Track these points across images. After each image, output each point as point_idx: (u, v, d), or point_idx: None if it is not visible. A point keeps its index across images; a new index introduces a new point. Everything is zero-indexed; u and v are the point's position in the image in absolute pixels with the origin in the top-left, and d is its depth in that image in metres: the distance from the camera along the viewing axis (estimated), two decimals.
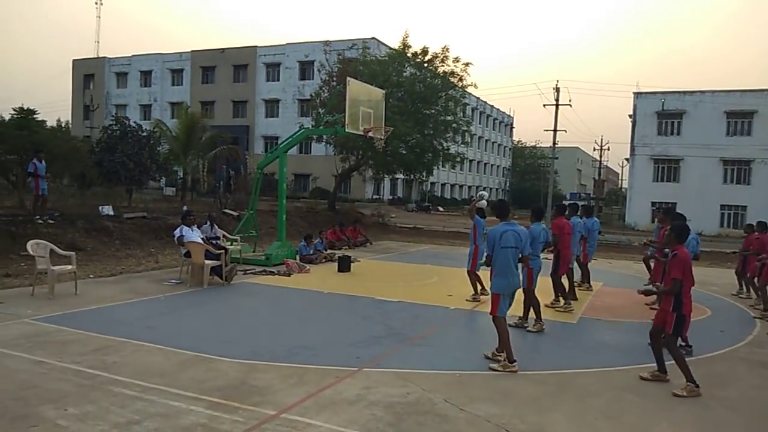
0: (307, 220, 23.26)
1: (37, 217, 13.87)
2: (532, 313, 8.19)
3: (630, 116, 46.17)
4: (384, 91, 15.73)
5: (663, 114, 44.73)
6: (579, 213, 11.54)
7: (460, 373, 6.05)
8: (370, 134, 14.00)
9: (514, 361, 6.19)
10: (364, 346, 6.96)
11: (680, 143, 43.96)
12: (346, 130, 13.49)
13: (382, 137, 14.64)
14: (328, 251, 15.43)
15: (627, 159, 50.01)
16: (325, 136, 27.75)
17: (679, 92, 44.39)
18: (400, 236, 24.73)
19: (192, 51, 57.72)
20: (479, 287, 10.19)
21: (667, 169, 45.29)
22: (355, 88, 13.73)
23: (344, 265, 13.05)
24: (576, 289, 10.84)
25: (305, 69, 52.06)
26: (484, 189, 14.69)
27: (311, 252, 14.41)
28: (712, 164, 43.22)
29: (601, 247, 20.77)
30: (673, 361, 5.84)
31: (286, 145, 15.02)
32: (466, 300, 10.09)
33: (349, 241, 18.33)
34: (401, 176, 43.35)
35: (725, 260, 19.37)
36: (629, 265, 17.19)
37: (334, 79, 27.98)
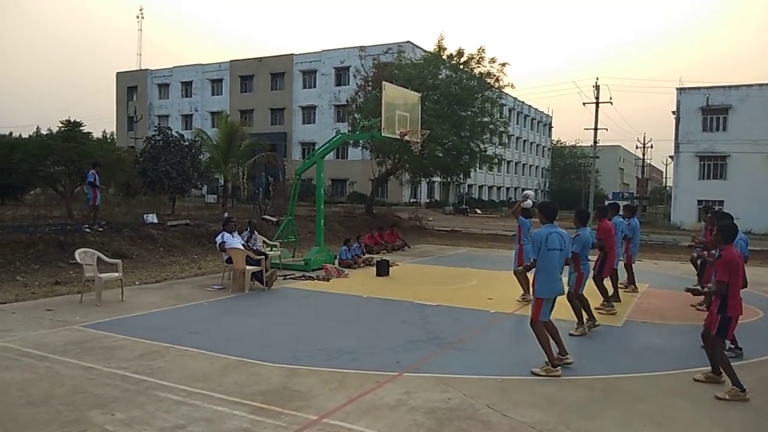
0: (344, 224, 23.37)
1: (85, 226, 14.37)
2: (573, 316, 8.01)
3: (673, 113, 44.88)
4: (419, 95, 15.70)
5: (708, 110, 43.35)
6: (621, 213, 11.26)
7: (503, 378, 5.95)
8: (407, 138, 13.98)
9: (557, 366, 6.07)
10: (404, 350, 6.93)
11: (727, 139, 42.53)
12: (383, 134, 13.52)
13: (419, 140, 14.61)
14: (367, 255, 15.45)
15: (671, 156, 48.64)
16: (361, 141, 27.90)
17: (724, 87, 42.96)
18: (438, 239, 24.61)
19: (231, 61, 58.86)
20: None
21: (714, 166, 43.85)
22: (390, 92, 13.74)
23: (383, 269, 13.05)
24: (620, 291, 10.59)
25: (341, 75, 52.46)
26: (527, 190, 14.42)
27: (350, 257, 14.47)
28: (761, 160, 41.65)
29: (646, 247, 20.25)
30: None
31: (323, 151, 15.13)
32: (517, 301, 10.00)
33: (387, 245, 18.33)
34: (438, 179, 43.25)
35: None
36: (676, 266, 16.68)
37: (370, 84, 28.09)
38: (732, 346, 6.86)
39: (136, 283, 11.12)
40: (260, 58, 56.77)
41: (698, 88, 43.83)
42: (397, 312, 9.37)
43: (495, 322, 8.87)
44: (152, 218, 17.09)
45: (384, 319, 8.96)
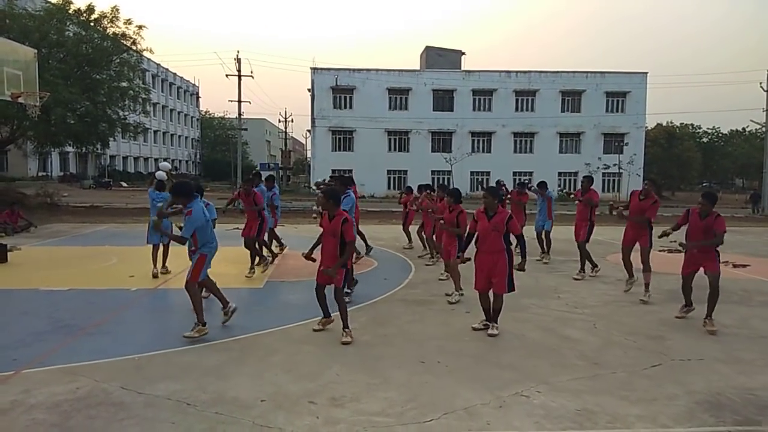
0: None
1: None
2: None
3: (309, 90, 49.16)
4: (35, 51, 13.53)
5: (337, 89, 48.80)
6: (264, 183, 12.01)
7: (140, 356, 5.75)
8: (20, 100, 11.97)
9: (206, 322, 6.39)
10: (23, 345, 6.06)
11: (353, 116, 48.70)
12: None
13: (37, 104, 12.65)
14: None
15: (309, 131, 53.32)
16: None
17: (350, 69, 48.86)
18: (74, 217, 22.02)
19: None
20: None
21: (343, 139, 49.82)
22: None
23: None
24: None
25: None
26: (165, 160, 14.00)
27: None
28: (379, 135, 49.06)
29: (289, 213, 21.94)
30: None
31: None
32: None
33: (7, 228, 15.60)
34: (72, 149, 38.55)
35: (393, 218, 22.29)
36: (312, 229, 18.49)
37: None
38: (348, 291, 8.09)
39: None
40: None
41: (329, 69, 48.86)
42: (15, 303, 8.11)
43: (135, 300, 8.46)
44: None
45: None
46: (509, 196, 13.04)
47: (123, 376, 5.20)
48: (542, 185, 12.69)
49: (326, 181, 12.66)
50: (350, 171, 48.22)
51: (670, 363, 5.89)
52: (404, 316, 7.65)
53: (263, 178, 12.13)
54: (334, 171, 48.75)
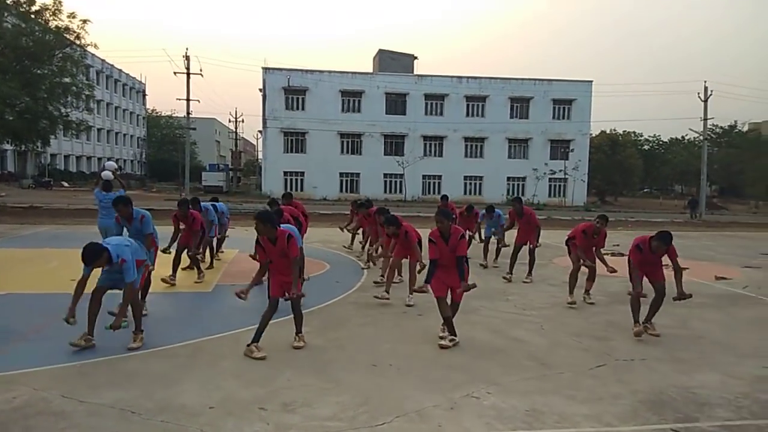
0: None
1: None
2: None
3: (260, 90, 48.54)
4: None
5: (289, 90, 48.40)
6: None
7: (83, 363, 5.54)
8: None
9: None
10: None
11: (305, 117, 48.38)
12: None
13: None
14: None
15: (260, 131, 52.63)
16: None
17: (302, 70, 48.53)
18: (12, 218, 21.03)
19: None
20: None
21: (295, 141, 49.42)
22: None
23: None
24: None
25: None
26: (110, 159, 13.63)
27: None
28: (332, 137, 48.88)
29: (239, 216, 21.59)
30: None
31: None
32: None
33: None
34: (10, 147, 36.92)
35: (342, 220, 22.20)
36: None
37: None
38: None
39: None
40: None
41: (281, 70, 48.39)
42: None
43: (78, 304, 8.12)
44: None
45: None
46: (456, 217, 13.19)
47: (64, 384, 4.99)
48: (490, 210, 12.71)
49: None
50: (302, 173, 47.98)
51: (614, 363, 6.09)
52: (356, 319, 7.64)
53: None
54: (286, 173, 48.43)
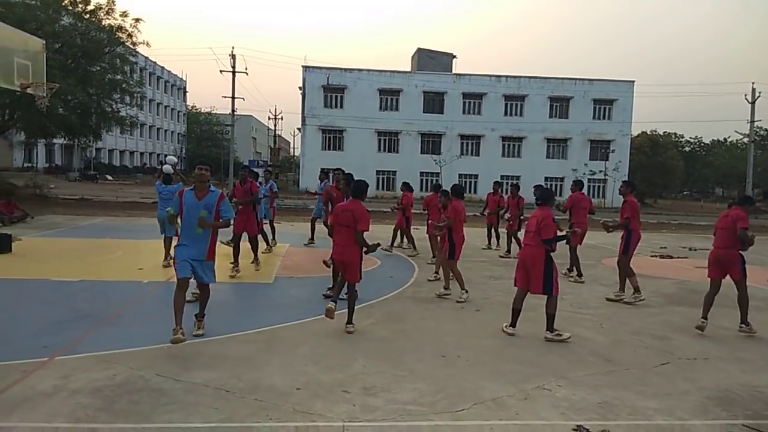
0: None
1: None
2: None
3: (300, 88, 49.15)
4: (43, 42, 13.48)
5: (328, 88, 48.86)
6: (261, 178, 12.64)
7: (168, 345, 5.88)
8: (29, 91, 11.95)
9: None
10: (50, 333, 6.16)
11: (343, 115, 48.79)
12: None
13: (45, 95, 12.62)
14: None
15: (299, 128, 53.26)
16: None
17: (341, 69, 48.95)
18: (66, 209, 21.91)
19: None
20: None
21: (333, 138, 49.87)
22: (4, 33, 11.48)
23: (3, 244, 11.07)
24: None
25: None
26: (170, 155, 14.22)
27: None
28: (369, 135, 49.18)
29: (282, 210, 22.03)
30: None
31: None
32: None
33: (3, 217, 15.52)
34: (59, 141, 38.19)
35: (385, 217, 22.45)
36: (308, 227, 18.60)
37: None
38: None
39: None
40: None
41: (320, 68, 48.90)
42: (31, 292, 8.18)
43: (150, 292, 8.57)
44: None
45: (17, 303, 7.68)
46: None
47: (157, 364, 5.33)
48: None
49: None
50: (341, 170, 47.81)
51: (677, 361, 6.17)
52: (417, 313, 7.86)
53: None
54: (323, 169, 48.88)
